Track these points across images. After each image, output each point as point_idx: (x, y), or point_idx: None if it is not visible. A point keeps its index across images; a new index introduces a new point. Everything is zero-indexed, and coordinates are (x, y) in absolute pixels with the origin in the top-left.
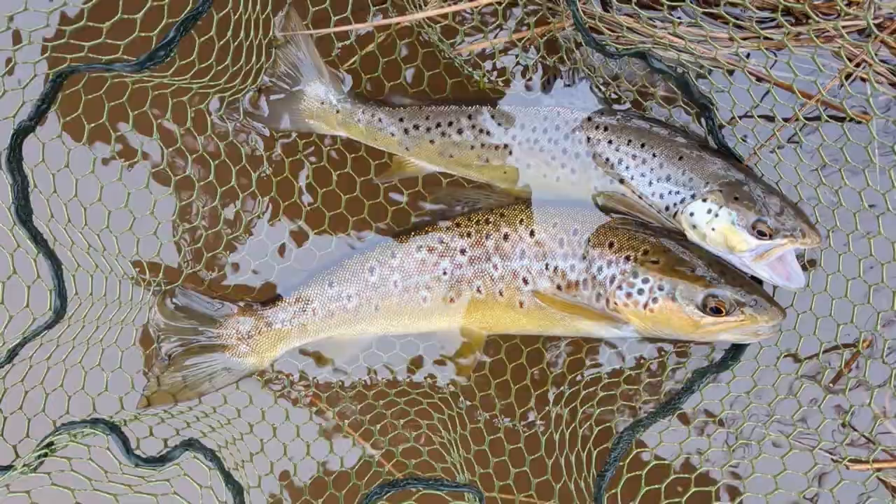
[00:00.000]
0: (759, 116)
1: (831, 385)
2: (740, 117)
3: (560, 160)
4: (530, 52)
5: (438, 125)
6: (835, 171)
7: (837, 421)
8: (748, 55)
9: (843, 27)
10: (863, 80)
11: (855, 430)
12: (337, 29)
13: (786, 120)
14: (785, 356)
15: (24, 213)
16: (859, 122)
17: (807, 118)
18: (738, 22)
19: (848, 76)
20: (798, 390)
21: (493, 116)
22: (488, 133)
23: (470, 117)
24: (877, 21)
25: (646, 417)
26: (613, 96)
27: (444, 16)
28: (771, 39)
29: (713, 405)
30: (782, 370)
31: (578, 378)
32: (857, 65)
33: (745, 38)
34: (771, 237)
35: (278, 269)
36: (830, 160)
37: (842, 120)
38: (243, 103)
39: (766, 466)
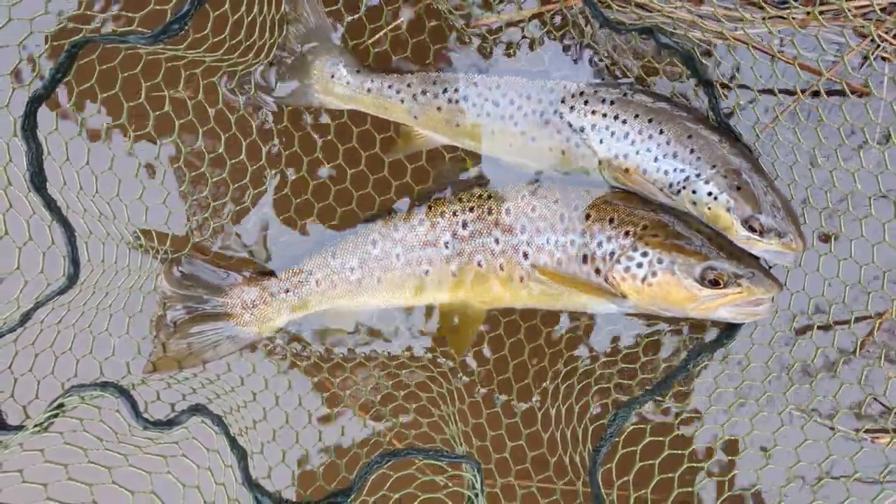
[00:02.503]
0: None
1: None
2: (739, 86)
3: (565, 133)
4: (537, 25)
5: (445, 91)
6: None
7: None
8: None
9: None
10: (883, 59)
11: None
12: None
13: (782, 91)
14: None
15: (38, 180)
16: (861, 97)
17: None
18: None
19: (866, 58)
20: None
21: (499, 87)
22: (495, 103)
23: (477, 85)
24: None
25: (641, 395)
26: (619, 71)
27: None
28: (788, 18)
29: (707, 383)
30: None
31: (576, 355)
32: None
33: (767, 17)
34: (761, 234)
35: (283, 240)
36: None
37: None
38: (254, 77)
39: (759, 440)
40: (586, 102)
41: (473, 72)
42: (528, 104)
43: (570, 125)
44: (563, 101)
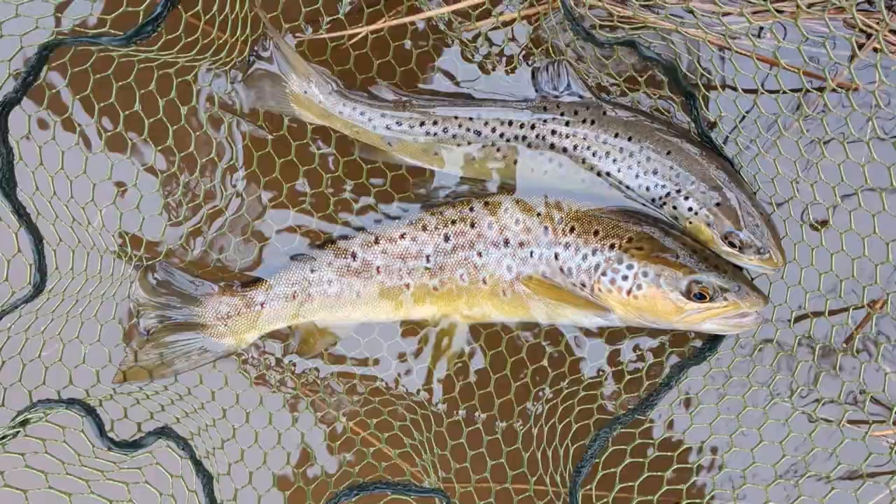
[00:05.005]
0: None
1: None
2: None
3: (548, 155)
4: (514, 44)
5: (423, 124)
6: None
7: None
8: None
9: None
10: (875, 50)
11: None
12: (330, 35)
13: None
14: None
15: (7, 185)
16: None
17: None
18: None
19: (860, 47)
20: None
21: (480, 117)
22: (477, 133)
23: (456, 118)
24: None
25: (623, 415)
26: (600, 87)
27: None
28: (782, 12)
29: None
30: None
31: (559, 374)
32: (869, 36)
33: (755, 12)
34: (740, 250)
35: (258, 249)
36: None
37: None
38: (230, 76)
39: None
40: (567, 123)
41: (450, 103)
42: (510, 130)
43: (553, 147)
44: (544, 123)
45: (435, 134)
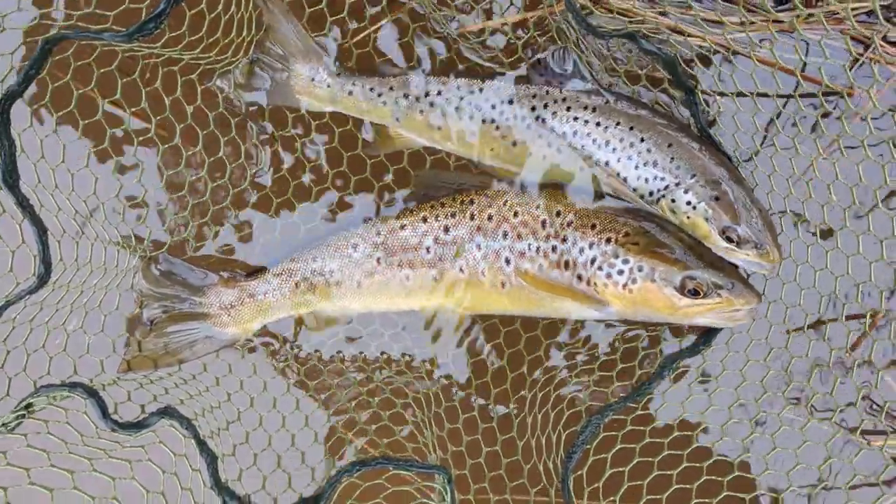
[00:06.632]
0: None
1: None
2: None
3: (547, 139)
4: (520, 32)
5: (427, 94)
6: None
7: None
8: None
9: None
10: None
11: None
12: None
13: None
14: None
15: (10, 178)
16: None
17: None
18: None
19: (856, 60)
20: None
21: (481, 91)
22: (477, 107)
23: (459, 88)
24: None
25: (615, 402)
26: (603, 77)
27: None
28: (781, 22)
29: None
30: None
31: (554, 363)
32: (867, 47)
33: (754, 21)
34: (738, 245)
35: (263, 241)
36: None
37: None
38: (234, 75)
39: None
40: (569, 108)
41: (455, 76)
42: (510, 109)
43: (553, 131)
44: (545, 107)
45: (438, 104)
